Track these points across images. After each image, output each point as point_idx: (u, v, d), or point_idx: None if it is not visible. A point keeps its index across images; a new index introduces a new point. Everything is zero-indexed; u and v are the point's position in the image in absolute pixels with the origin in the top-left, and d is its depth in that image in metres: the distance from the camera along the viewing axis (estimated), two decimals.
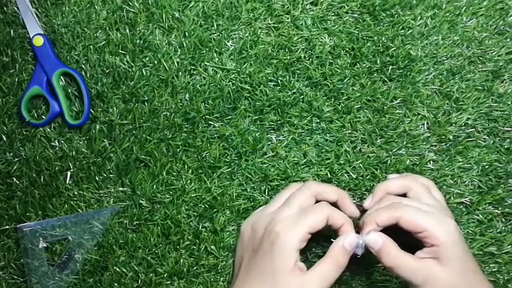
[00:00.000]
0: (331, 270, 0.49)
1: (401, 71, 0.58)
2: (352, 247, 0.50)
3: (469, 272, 0.49)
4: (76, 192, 0.58)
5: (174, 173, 0.58)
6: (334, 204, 0.53)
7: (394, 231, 0.50)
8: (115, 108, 0.59)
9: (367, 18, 0.59)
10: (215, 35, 0.59)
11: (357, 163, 0.58)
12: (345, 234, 0.50)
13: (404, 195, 0.54)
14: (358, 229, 0.52)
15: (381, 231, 0.50)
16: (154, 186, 0.58)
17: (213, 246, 0.57)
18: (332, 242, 0.50)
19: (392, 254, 0.49)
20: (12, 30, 0.60)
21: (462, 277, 0.49)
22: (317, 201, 0.52)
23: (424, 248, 0.49)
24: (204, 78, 0.59)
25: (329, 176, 0.58)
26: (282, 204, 0.53)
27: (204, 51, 0.59)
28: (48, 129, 0.59)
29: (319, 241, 0.57)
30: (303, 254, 0.57)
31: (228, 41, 0.59)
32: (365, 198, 0.57)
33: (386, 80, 0.59)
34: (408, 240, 0.50)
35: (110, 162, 0.58)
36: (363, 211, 0.53)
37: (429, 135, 0.58)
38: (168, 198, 0.58)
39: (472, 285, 0.49)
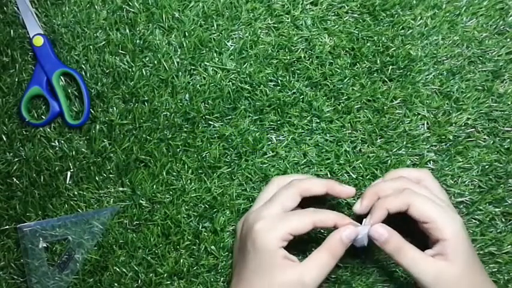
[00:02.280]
0: (327, 261, 0.49)
1: (401, 71, 0.58)
2: (349, 240, 0.49)
3: (475, 271, 0.49)
4: (76, 192, 0.58)
5: (174, 173, 0.58)
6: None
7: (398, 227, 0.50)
8: (115, 108, 0.59)
9: (367, 18, 0.59)
10: (215, 35, 0.59)
11: (357, 163, 0.58)
12: (343, 227, 0.50)
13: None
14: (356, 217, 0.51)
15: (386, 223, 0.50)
16: (154, 186, 0.58)
17: (213, 247, 0.57)
18: None
19: (396, 244, 0.49)
20: (12, 30, 0.60)
21: (468, 276, 0.49)
22: (304, 199, 0.52)
23: (433, 247, 0.49)
24: (204, 78, 0.59)
25: (329, 176, 0.58)
26: (266, 202, 0.52)
27: (204, 51, 0.59)
28: (48, 129, 0.59)
29: (319, 241, 0.57)
30: (303, 254, 0.57)
31: (228, 41, 0.59)
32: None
33: (386, 80, 0.59)
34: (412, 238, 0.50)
35: (110, 162, 0.58)
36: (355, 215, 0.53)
37: (429, 135, 0.58)
38: (168, 198, 0.58)
39: (477, 285, 0.49)
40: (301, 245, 0.57)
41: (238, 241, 0.54)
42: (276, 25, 0.59)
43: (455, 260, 0.48)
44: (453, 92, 0.58)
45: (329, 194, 0.52)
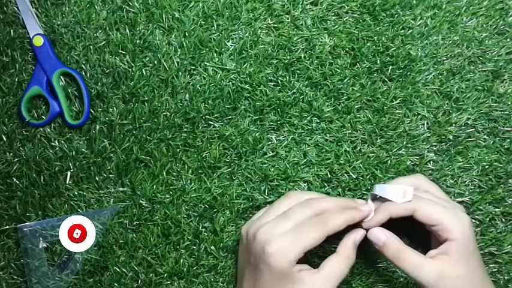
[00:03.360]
0: (343, 267, 0.49)
1: (401, 71, 0.58)
2: (360, 241, 0.51)
3: (477, 271, 0.49)
4: (76, 192, 0.58)
5: (174, 173, 0.58)
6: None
7: (404, 230, 0.51)
8: (115, 108, 0.59)
9: (367, 18, 0.59)
10: (215, 35, 0.59)
11: (356, 163, 0.58)
12: (354, 231, 0.51)
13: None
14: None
15: (393, 227, 0.51)
16: (154, 186, 0.58)
17: (212, 247, 0.57)
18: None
19: (395, 249, 0.49)
20: (12, 30, 0.60)
21: (470, 276, 0.49)
22: None
23: (438, 246, 0.49)
24: (204, 78, 0.59)
25: (329, 176, 0.58)
26: (278, 217, 0.51)
27: (204, 51, 0.59)
28: (48, 129, 0.59)
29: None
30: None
31: (228, 41, 0.59)
32: (365, 198, 0.57)
33: (386, 80, 0.59)
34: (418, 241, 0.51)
35: (110, 162, 0.58)
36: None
37: (429, 135, 0.58)
38: (168, 198, 0.58)
39: (478, 285, 0.49)
40: None
41: (243, 248, 0.53)
42: (276, 25, 0.59)
43: (459, 260, 0.48)
44: (453, 92, 0.58)
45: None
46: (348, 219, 0.50)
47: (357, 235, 0.51)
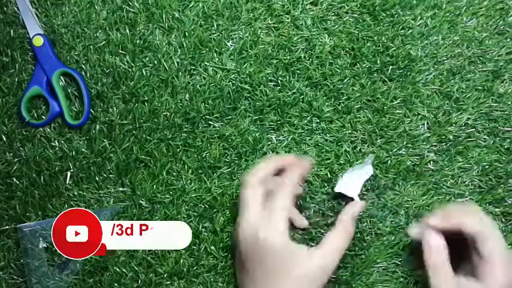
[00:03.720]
0: (342, 243, 0.50)
1: (401, 71, 0.58)
2: (358, 214, 0.52)
3: None
4: (76, 192, 0.58)
5: (174, 173, 0.58)
6: None
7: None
8: (115, 108, 0.59)
9: (367, 18, 0.59)
10: (215, 35, 0.59)
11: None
12: (352, 204, 0.52)
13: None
14: None
15: None
16: (154, 186, 0.58)
17: (212, 247, 0.57)
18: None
19: (436, 261, 0.48)
20: (12, 30, 0.60)
21: None
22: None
23: (475, 263, 0.48)
24: (204, 78, 0.59)
25: (329, 176, 0.58)
26: (244, 207, 0.51)
27: (204, 51, 0.59)
28: (48, 129, 0.59)
29: (318, 240, 0.57)
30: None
31: (228, 41, 0.59)
32: (365, 199, 0.57)
33: (386, 80, 0.59)
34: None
35: (110, 162, 0.58)
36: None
37: (429, 135, 0.58)
38: (168, 198, 0.58)
39: None
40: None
41: (240, 252, 0.53)
42: (276, 25, 0.59)
43: (488, 285, 0.47)
44: (453, 92, 0.58)
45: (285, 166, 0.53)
46: (298, 173, 0.51)
47: (354, 208, 0.51)
